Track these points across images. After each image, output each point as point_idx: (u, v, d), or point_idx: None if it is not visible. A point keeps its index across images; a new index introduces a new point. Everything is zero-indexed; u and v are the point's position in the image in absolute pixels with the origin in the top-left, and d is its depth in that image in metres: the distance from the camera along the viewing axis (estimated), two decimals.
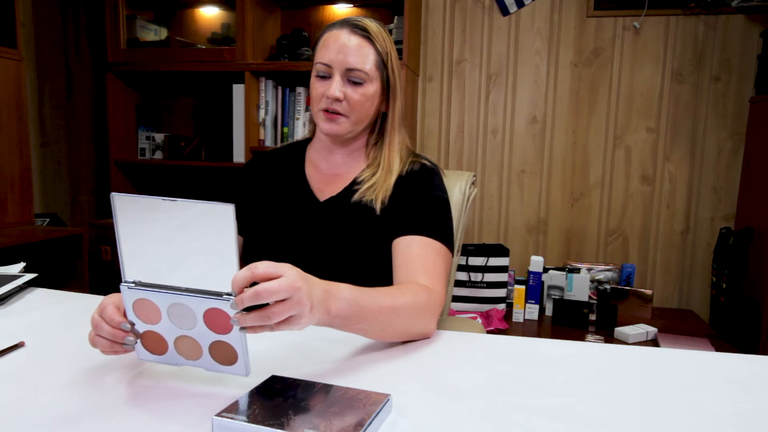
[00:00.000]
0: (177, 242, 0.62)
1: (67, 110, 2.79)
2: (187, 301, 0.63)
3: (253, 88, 2.46)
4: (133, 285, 0.64)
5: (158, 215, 0.61)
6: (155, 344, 0.67)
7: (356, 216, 1.01)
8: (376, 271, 1.00)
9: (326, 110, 0.99)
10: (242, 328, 0.61)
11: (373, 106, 1.03)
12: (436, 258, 0.95)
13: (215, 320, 0.63)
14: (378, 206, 1.00)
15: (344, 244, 1.00)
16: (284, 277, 0.61)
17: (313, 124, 1.14)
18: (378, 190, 1.02)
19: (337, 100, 0.97)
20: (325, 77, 0.99)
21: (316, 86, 1.00)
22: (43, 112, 2.66)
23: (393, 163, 1.05)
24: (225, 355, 0.65)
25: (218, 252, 0.60)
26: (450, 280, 1.23)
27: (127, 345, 0.67)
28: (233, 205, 0.58)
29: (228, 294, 0.61)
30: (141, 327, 0.66)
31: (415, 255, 0.94)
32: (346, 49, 0.97)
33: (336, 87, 0.97)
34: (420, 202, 1.01)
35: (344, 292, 0.72)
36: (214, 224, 0.59)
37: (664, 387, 0.70)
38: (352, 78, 0.98)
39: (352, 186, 1.05)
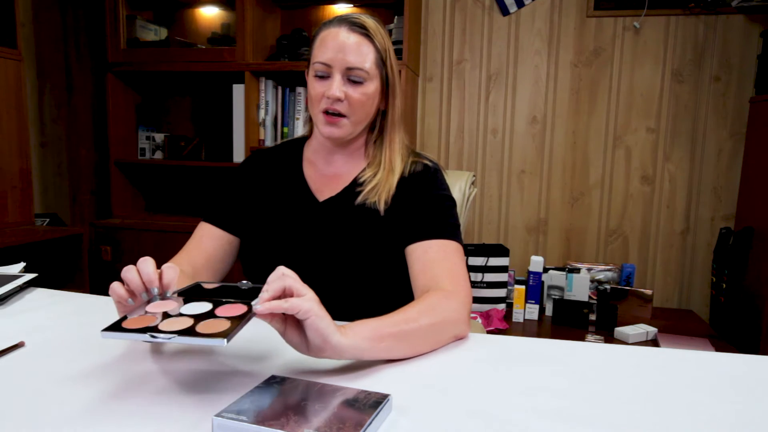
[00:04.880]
0: None
1: (67, 110, 2.79)
2: (209, 302, 0.69)
3: (253, 88, 2.46)
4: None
5: None
6: (138, 323, 0.63)
7: (359, 217, 1.01)
8: (378, 273, 0.99)
9: (326, 112, 0.98)
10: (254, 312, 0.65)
11: (374, 105, 1.02)
12: (455, 257, 0.95)
13: (226, 310, 0.67)
14: (381, 207, 1.00)
15: (346, 245, 1.00)
16: (310, 294, 0.67)
17: (310, 123, 1.12)
18: (381, 190, 1.01)
19: (338, 100, 0.96)
20: (325, 77, 0.97)
21: (315, 86, 0.98)
22: (43, 112, 2.66)
23: (394, 162, 1.04)
24: (213, 327, 0.62)
25: None
26: None
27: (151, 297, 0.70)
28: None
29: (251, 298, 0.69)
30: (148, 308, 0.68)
31: (434, 259, 0.94)
32: (346, 47, 0.96)
33: (337, 87, 0.95)
34: (428, 205, 1.00)
35: (361, 327, 0.73)
36: None
37: (663, 387, 0.70)
38: (353, 77, 0.97)
39: (354, 187, 1.04)
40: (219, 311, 0.67)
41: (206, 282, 0.81)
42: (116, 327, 0.62)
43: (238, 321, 0.63)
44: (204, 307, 0.68)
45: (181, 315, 0.66)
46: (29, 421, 0.58)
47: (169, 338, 0.58)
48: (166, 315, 0.66)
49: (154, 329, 0.61)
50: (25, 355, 0.77)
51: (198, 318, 0.65)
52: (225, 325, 0.62)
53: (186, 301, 0.70)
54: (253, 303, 0.66)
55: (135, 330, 0.60)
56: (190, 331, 0.60)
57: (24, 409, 0.61)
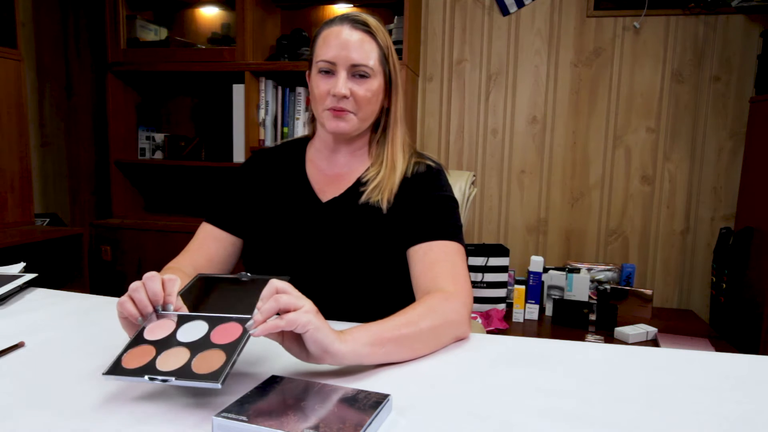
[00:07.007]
0: None
1: (67, 110, 2.79)
2: (204, 320, 0.68)
3: (253, 88, 2.46)
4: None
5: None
6: (137, 359, 0.64)
7: (362, 217, 1.00)
8: (381, 273, 0.99)
9: (332, 108, 0.97)
10: (249, 334, 0.64)
11: (378, 102, 1.02)
12: (456, 259, 0.94)
13: (221, 333, 0.66)
14: (384, 205, 0.99)
15: (349, 246, 0.99)
16: (307, 305, 0.66)
17: (312, 124, 1.12)
18: (383, 188, 1.01)
19: (344, 97, 0.96)
20: (329, 75, 0.97)
21: (320, 84, 0.97)
22: (43, 112, 2.66)
23: (397, 160, 1.04)
24: (207, 364, 0.62)
25: None
26: None
27: (140, 321, 0.69)
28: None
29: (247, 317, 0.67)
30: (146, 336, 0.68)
31: (435, 260, 0.93)
32: (349, 45, 0.96)
33: (342, 84, 0.95)
34: (430, 206, 1.00)
35: (361, 333, 0.72)
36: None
37: (664, 387, 0.70)
38: (358, 74, 0.97)
39: (357, 187, 1.04)
40: (214, 335, 0.66)
41: (207, 274, 0.81)
42: (116, 368, 0.63)
43: (233, 351, 0.62)
44: (200, 329, 0.67)
45: (178, 343, 0.65)
46: (29, 422, 0.58)
47: (166, 380, 0.60)
48: (162, 344, 0.65)
49: (152, 369, 0.62)
50: (25, 355, 0.77)
51: (193, 348, 0.64)
52: (219, 359, 0.62)
53: (181, 320, 0.69)
54: (247, 325, 0.65)
55: (133, 372, 0.62)
56: (185, 371, 0.61)
57: (24, 409, 0.61)
